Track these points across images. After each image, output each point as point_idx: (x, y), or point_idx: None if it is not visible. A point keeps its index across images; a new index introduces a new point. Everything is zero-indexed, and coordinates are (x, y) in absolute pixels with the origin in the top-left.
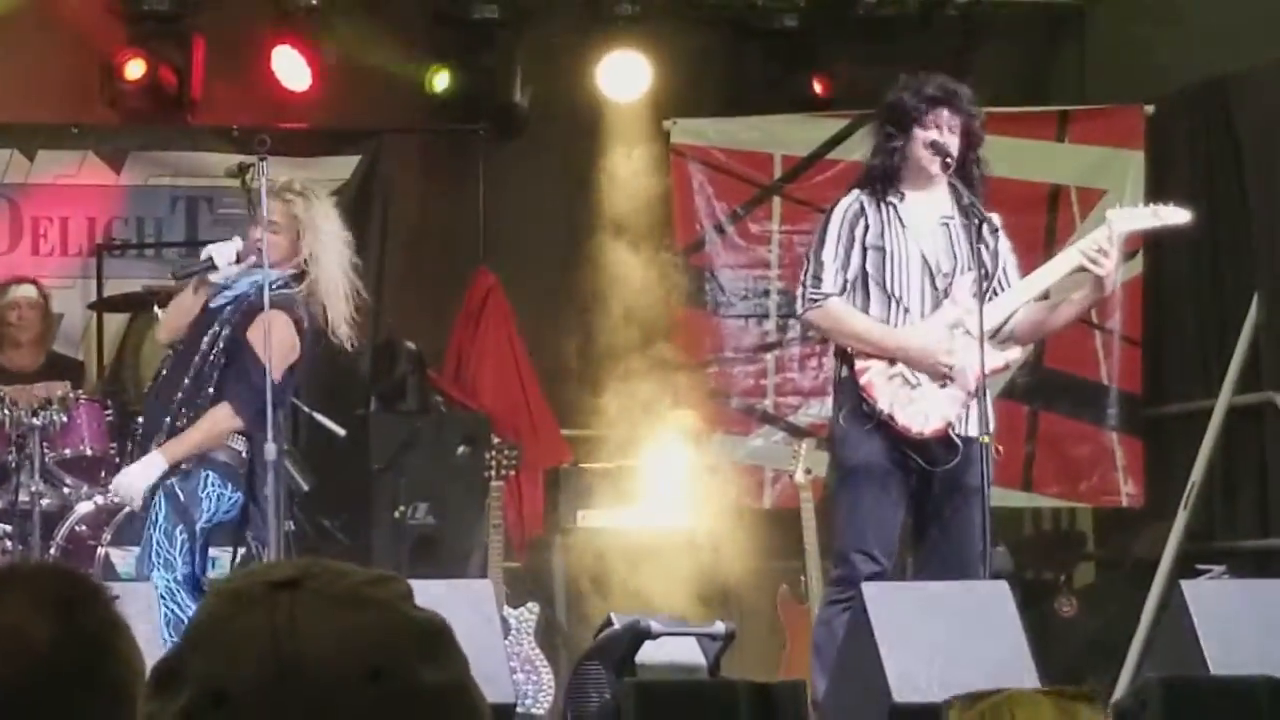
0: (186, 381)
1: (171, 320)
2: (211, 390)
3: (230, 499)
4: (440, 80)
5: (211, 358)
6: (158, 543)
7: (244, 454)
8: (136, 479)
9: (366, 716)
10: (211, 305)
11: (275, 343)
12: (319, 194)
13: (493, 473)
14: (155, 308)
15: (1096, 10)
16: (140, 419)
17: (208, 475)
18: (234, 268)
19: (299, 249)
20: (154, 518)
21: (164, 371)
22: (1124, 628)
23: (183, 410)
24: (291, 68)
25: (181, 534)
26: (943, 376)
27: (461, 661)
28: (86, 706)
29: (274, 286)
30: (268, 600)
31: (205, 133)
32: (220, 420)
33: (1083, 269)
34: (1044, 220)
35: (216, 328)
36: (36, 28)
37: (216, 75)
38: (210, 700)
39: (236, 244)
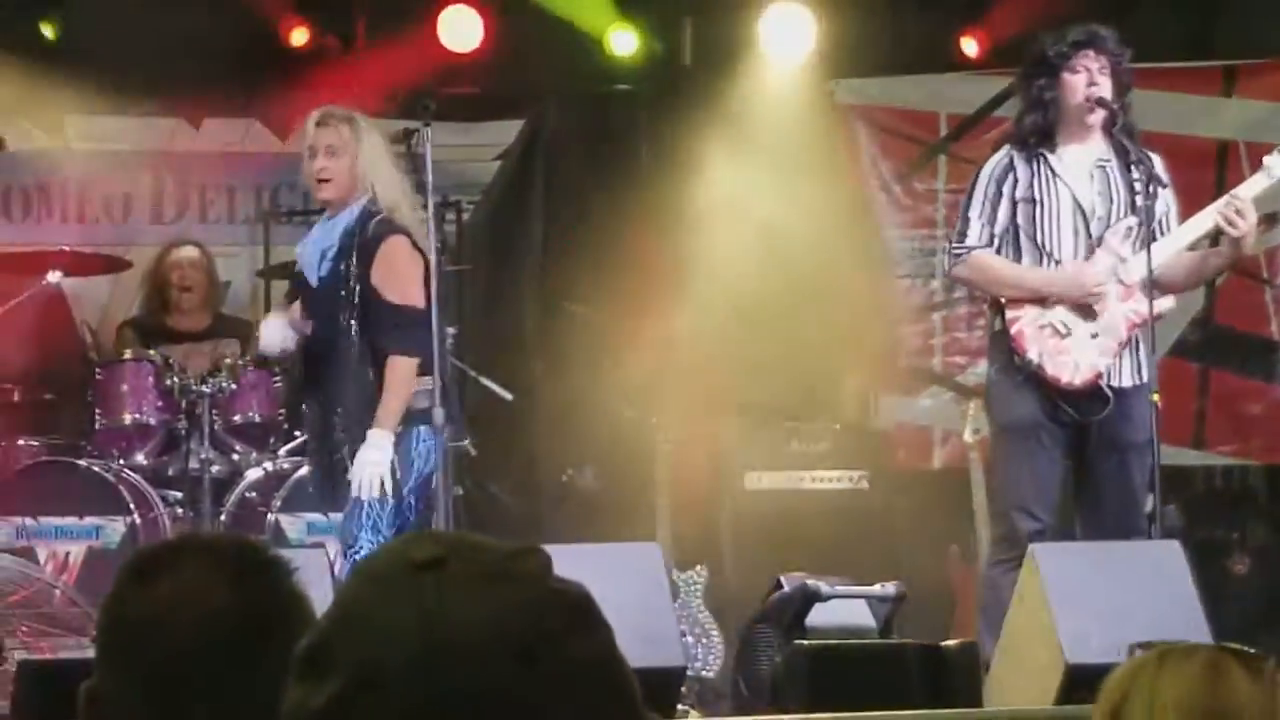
0: (336, 356)
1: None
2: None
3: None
4: (624, 41)
5: (352, 321)
6: (369, 504)
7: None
8: (379, 467)
9: (519, 696)
10: (315, 286)
11: (400, 269)
12: (366, 121)
13: (660, 435)
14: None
15: None
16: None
17: (417, 431)
18: (288, 337)
19: (358, 177)
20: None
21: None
22: None
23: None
24: (460, 29)
25: (391, 495)
26: (1092, 320)
27: (608, 631)
28: (261, 674)
29: (366, 223)
30: (413, 582)
31: (368, 98)
32: (401, 371)
33: (1219, 230)
34: (1213, 175)
35: (343, 294)
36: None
37: (381, 40)
38: (360, 686)
39: (279, 325)
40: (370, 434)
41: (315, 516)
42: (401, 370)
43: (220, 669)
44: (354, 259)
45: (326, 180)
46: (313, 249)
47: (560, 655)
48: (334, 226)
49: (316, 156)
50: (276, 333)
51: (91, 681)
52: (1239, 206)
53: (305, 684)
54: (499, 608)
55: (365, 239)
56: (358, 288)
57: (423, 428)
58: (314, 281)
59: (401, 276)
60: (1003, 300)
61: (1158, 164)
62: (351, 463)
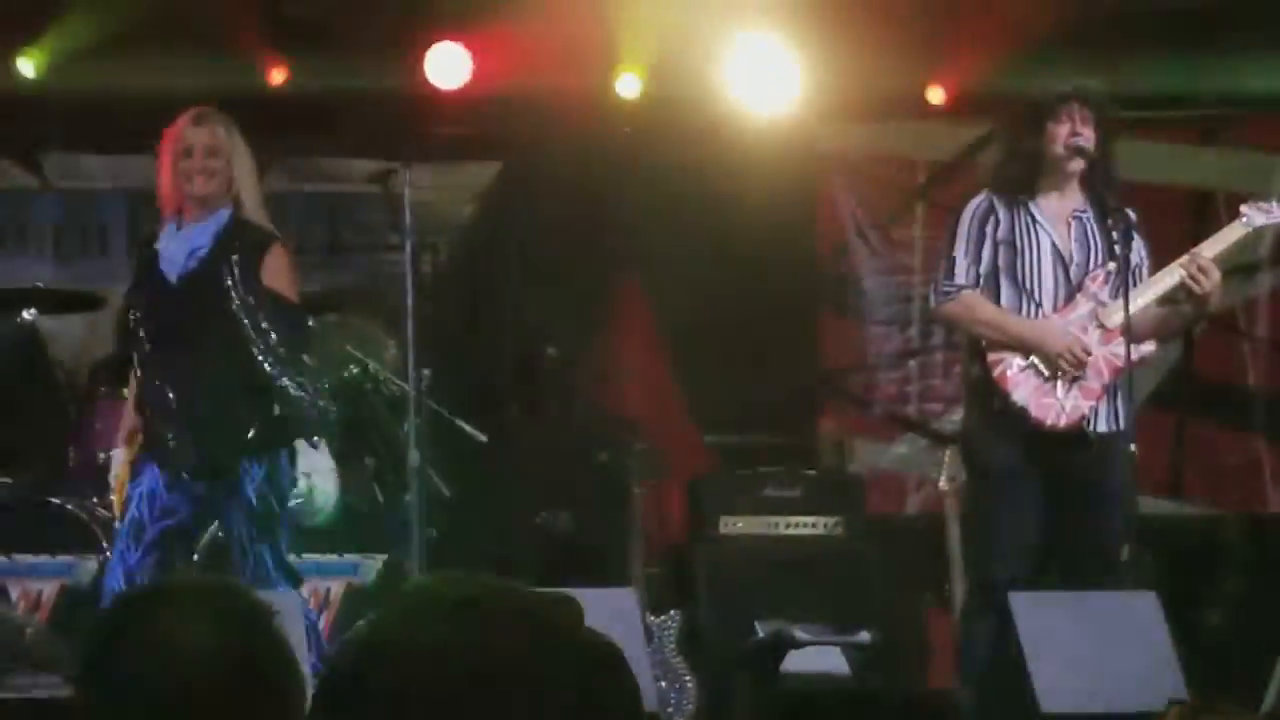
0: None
1: None
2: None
3: None
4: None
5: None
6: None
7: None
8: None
9: None
10: (174, 281)
11: (291, 274)
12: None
13: (635, 479)
14: None
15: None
16: None
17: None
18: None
19: (230, 180)
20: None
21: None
22: (1274, 638)
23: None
24: (447, 66)
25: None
26: (1077, 366)
27: (634, 685)
28: (242, 717)
29: (243, 228)
30: (452, 618)
31: (347, 139)
32: None
33: (1182, 282)
34: (1190, 225)
35: (213, 293)
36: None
37: (361, 79)
38: (394, 715)
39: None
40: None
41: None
42: None
43: (205, 714)
44: (234, 261)
45: (209, 177)
46: (177, 248)
47: (590, 701)
48: (203, 229)
49: (194, 155)
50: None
51: None
52: (1201, 264)
53: (330, 713)
54: (533, 649)
55: (247, 242)
56: (239, 289)
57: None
58: (173, 279)
59: (293, 281)
60: (983, 344)
61: (1132, 217)
62: None
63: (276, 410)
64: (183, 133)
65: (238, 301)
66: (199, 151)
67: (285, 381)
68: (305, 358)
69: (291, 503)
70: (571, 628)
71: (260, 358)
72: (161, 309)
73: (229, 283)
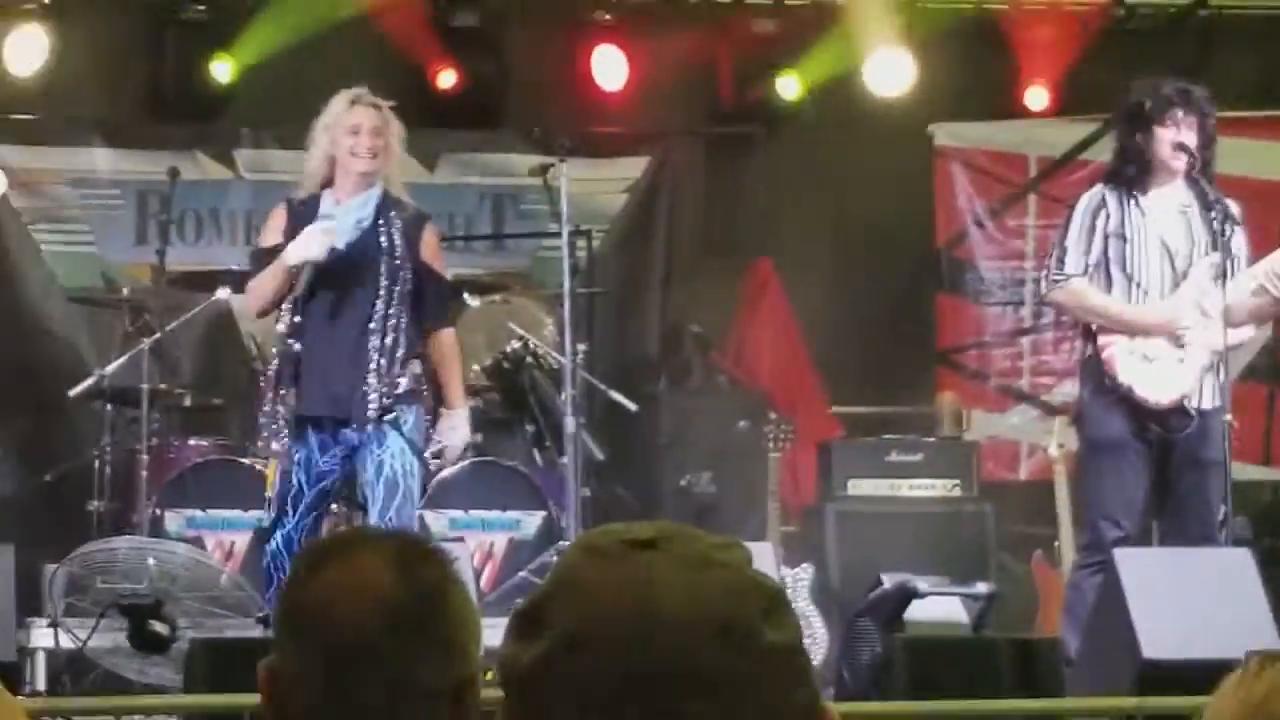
0: (375, 328)
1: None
2: (409, 324)
3: None
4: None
5: (396, 294)
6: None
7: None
8: (464, 437)
9: (716, 670)
10: (342, 248)
11: (440, 252)
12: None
13: (770, 445)
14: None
15: None
16: None
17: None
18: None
19: (387, 159)
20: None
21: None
22: None
23: (397, 354)
24: (608, 69)
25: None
26: (1179, 347)
27: (797, 625)
28: (427, 652)
29: (398, 205)
30: (628, 558)
31: (510, 135)
32: (454, 343)
33: (1264, 287)
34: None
35: (382, 265)
36: (355, 40)
37: (525, 81)
38: (569, 647)
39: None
40: (458, 416)
41: (457, 513)
42: (454, 342)
43: (391, 647)
44: (395, 235)
45: (374, 156)
46: (343, 218)
47: (755, 638)
48: (364, 202)
49: (360, 133)
50: (315, 242)
51: (271, 659)
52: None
53: (520, 642)
54: (704, 589)
55: (406, 217)
56: (400, 261)
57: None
58: (340, 245)
59: (442, 259)
60: (1094, 327)
61: (1233, 207)
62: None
63: (418, 369)
64: (349, 111)
65: (395, 267)
66: (366, 131)
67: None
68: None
69: (425, 452)
70: (740, 564)
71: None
72: (329, 273)
73: (388, 251)
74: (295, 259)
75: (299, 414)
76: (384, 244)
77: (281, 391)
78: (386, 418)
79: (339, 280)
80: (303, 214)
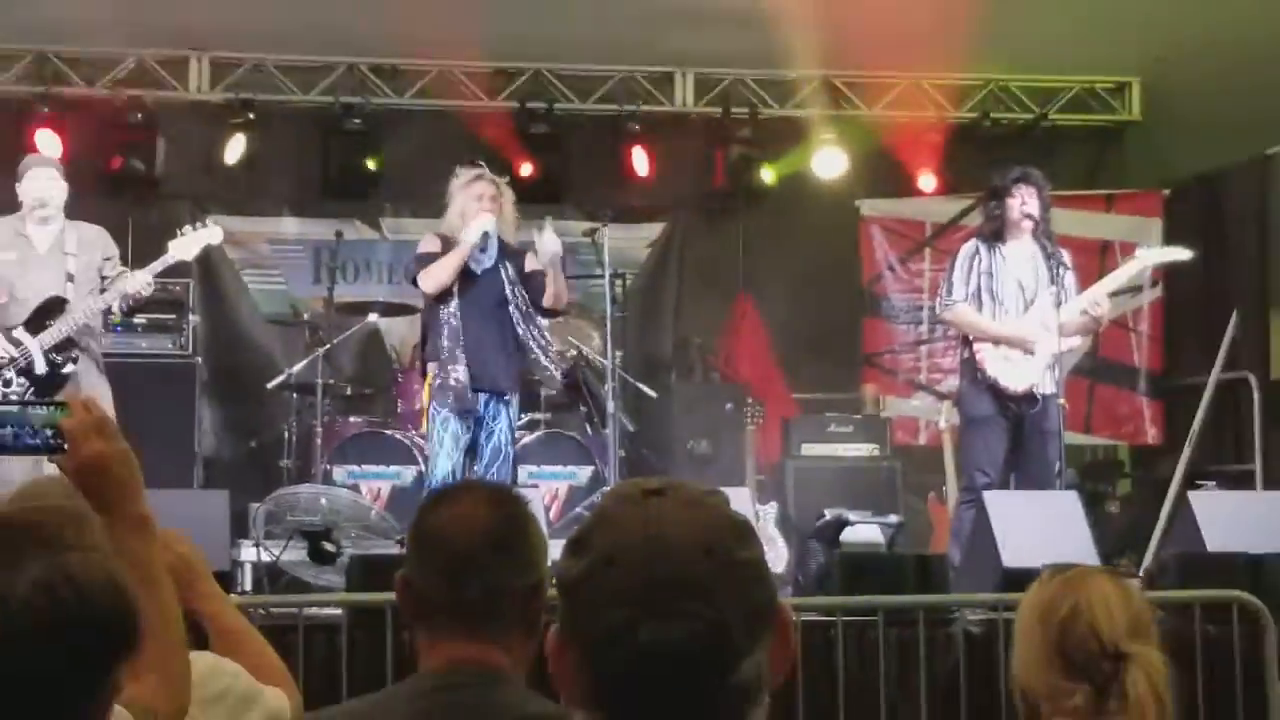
0: (509, 333)
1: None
2: (524, 333)
3: None
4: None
5: (517, 313)
6: None
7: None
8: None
9: (703, 577)
10: (480, 271)
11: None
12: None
13: (748, 420)
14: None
15: (1129, 129)
16: None
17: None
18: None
19: (502, 218)
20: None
21: (463, 326)
22: (1149, 523)
23: (515, 357)
24: (638, 163)
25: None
26: (1029, 353)
27: (760, 546)
28: (515, 571)
29: (513, 248)
30: (645, 501)
31: (569, 208)
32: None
33: (1085, 311)
34: (1098, 262)
35: (506, 291)
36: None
37: (579, 171)
38: (604, 562)
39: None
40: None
41: (534, 467)
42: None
43: (487, 561)
44: (510, 270)
45: (493, 213)
46: (487, 251)
47: (730, 555)
48: (491, 244)
49: (483, 198)
50: (475, 227)
51: (404, 570)
52: (1096, 299)
53: (571, 559)
54: (695, 522)
55: (515, 255)
56: (515, 289)
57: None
58: (476, 268)
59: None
60: (970, 338)
61: (1065, 256)
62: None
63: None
64: (475, 182)
65: (514, 293)
66: (487, 196)
67: (530, 344)
68: (545, 333)
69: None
70: (720, 505)
71: (521, 329)
72: (470, 291)
73: (509, 280)
74: (472, 237)
75: (459, 384)
76: (504, 276)
77: (450, 366)
78: (505, 397)
79: (480, 298)
80: (448, 240)
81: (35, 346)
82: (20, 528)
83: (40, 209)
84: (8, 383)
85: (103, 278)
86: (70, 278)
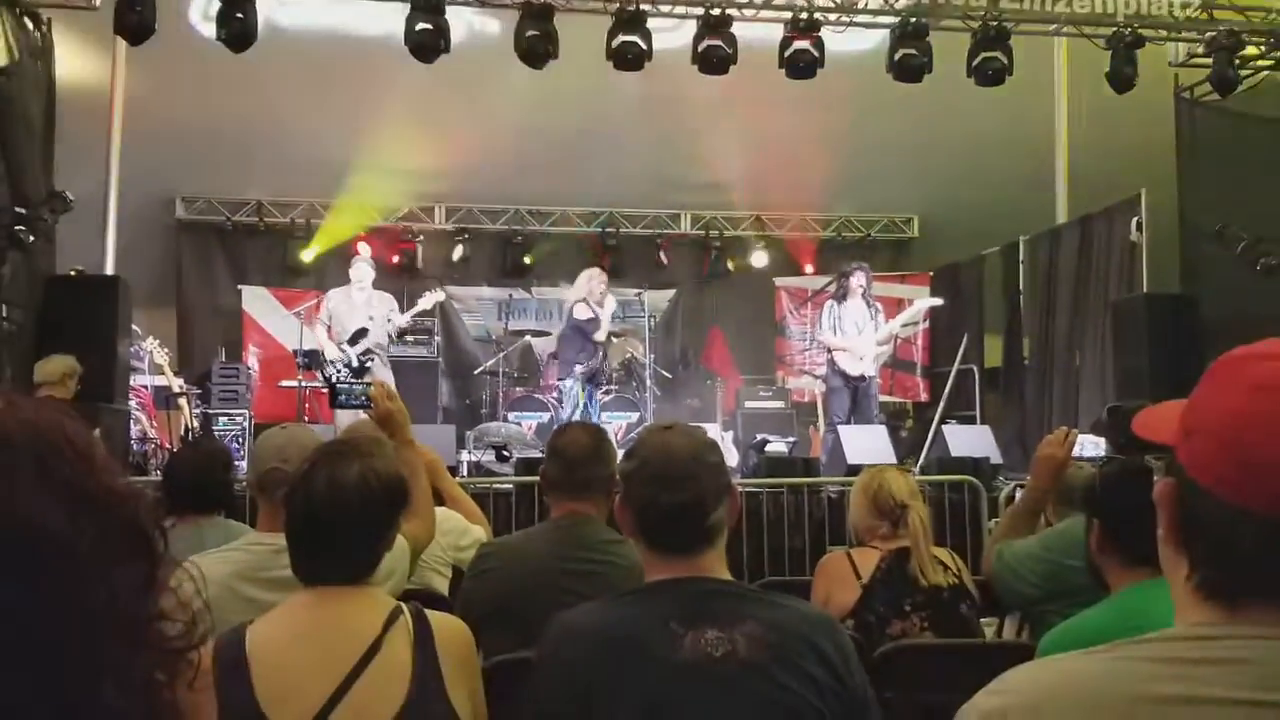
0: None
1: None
2: None
3: None
4: (727, 265)
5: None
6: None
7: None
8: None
9: (693, 469)
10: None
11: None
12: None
13: (719, 390)
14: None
15: (912, 241)
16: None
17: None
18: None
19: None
20: None
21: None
22: (922, 441)
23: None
24: (663, 258)
25: None
26: (860, 357)
27: (722, 454)
28: (601, 467)
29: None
30: (662, 432)
31: (624, 282)
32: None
33: (891, 337)
34: (896, 308)
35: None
36: (565, 246)
37: (631, 263)
38: (641, 463)
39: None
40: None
41: (610, 414)
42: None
43: (588, 460)
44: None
45: (602, 297)
46: (604, 319)
47: (706, 458)
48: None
49: (601, 298)
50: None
51: (543, 466)
52: (894, 331)
53: (625, 461)
54: (687, 442)
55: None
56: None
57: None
58: (599, 338)
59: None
60: (830, 348)
61: (879, 306)
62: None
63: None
64: (594, 277)
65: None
66: (599, 281)
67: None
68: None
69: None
70: (702, 434)
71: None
72: (593, 351)
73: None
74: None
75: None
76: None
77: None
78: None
79: (597, 354)
80: (578, 323)
81: (353, 353)
82: (350, 444)
83: (359, 283)
84: (339, 371)
85: (389, 319)
86: (371, 319)
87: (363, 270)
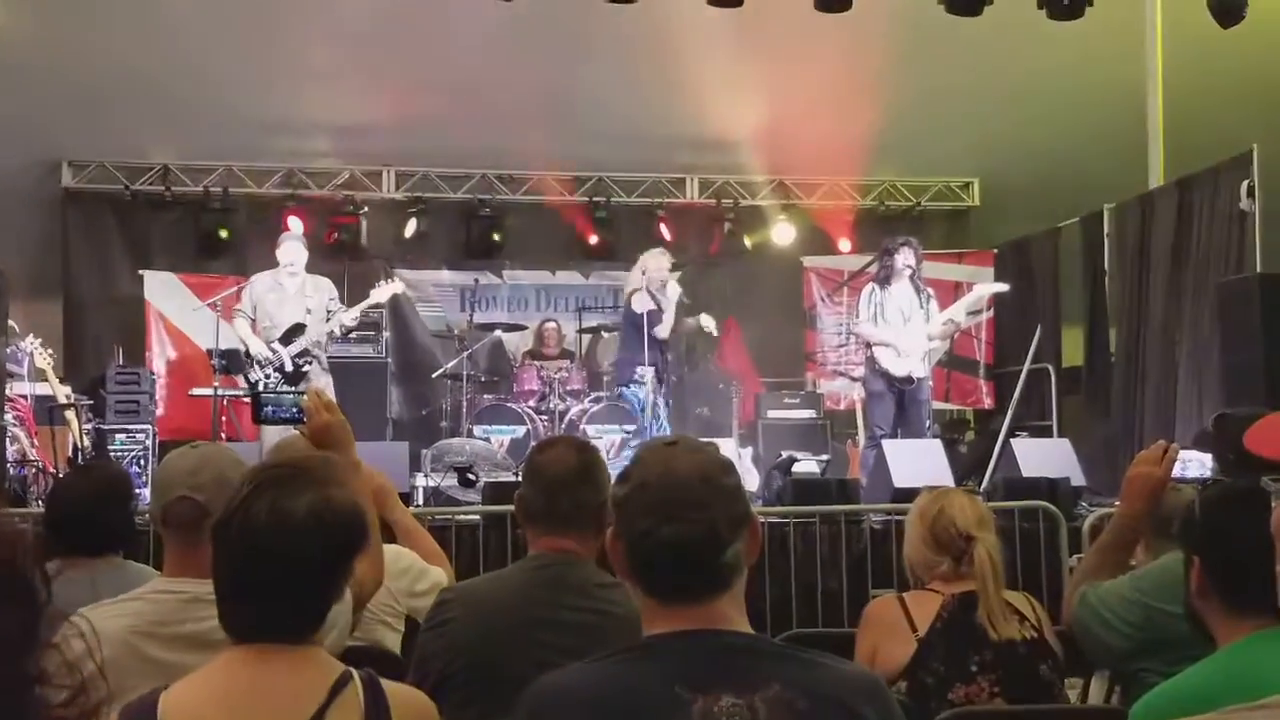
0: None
1: None
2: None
3: None
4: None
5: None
6: None
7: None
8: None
9: (700, 496)
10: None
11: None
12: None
13: (734, 394)
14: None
15: (971, 211)
16: None
17: None
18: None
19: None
20: None
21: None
22: (986, 458)
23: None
24: (665, 234)
25: None
26: (906, 353)
27: (739, 476)
28: (590, 492)
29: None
30: (665, 448)
31: (619, 264)
32: None
33: (949, 321)
34: (953, 295)
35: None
36: (552, 224)
37: (627, 240)
38: (639, 487)
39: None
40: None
41: (600, 426)
42: None
43: (574, 485)
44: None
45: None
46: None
47: (718, 481)
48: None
49: (664, 285)
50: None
51: (520, 490)
52: (953, 318)
53: (620, 485)
54: (694, 461)
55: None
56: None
57: None
58: (661, 336)
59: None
60: (870, 343)
61: (930, 291)
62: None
63: None
64: (653, 261)
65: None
66: (660, 266)
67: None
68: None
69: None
70: (714, 451)
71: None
72: (655, 346)
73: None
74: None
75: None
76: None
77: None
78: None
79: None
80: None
81: (285, 354)
82: (300, 470)
83: (290, 266)
84: (268, 376)
85: (328, 311)
86: (308, 311)
87: (293, 250)
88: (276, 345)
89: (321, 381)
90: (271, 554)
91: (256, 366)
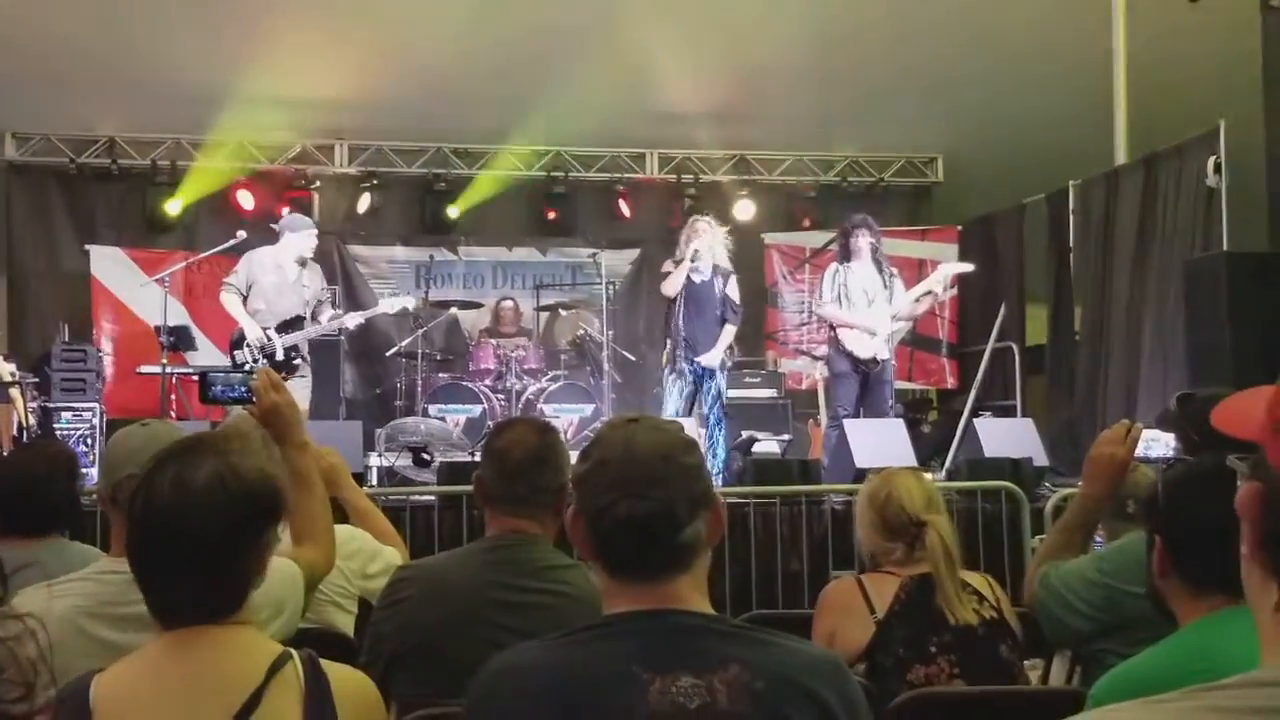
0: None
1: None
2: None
3: None
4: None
5: (722, 311)
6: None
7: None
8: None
9: (661, 474)
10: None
11: (736, 289)
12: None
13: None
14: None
15: (935, 187)
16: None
17: None
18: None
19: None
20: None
21: (690, 323)
22: (949, 438)
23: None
24: (625, 210)
25: None
26: (870, 333)
27: (700, 455)
28: (549, 475)
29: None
30: (625, 426)
31: (578, 240)
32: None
33: (928, 293)
34: (917, 273)
35: (717, 297)
36: (521, 201)
37: (586, 217)
38: (599, 464)
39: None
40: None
41: (558, 405)
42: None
43: (533, 467)
44: (719, 283)
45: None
46: (703, 270)
47: (679, 460)
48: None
49: (693, 237)
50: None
51: (478, 471)
52: (932, 288)
53: (580, 462)
54: (656, 439)
55: (724, 273)
56: (721, 296)
57: None
58: (698, 281)
59: (737, 293)
60: (833, 323)
61: (894, 269)
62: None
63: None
64: (695, 224)
65: (721, 298)
66: (700, 232)
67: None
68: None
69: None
70: (676, 429)
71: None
72: (697, 297)
73: (720, 290)
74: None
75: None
76: (716, 287)
77: (677, 350)
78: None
79: (702, 300)
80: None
81: (279, 343)
82: (201, 441)
83: (299, 253)
84: (255, 360)
85: (319, 301)
86: (306, 304)
87: (308, 243)
88: (272, 333)
89: (300, 386)
90: (176, 527)
91: (247, 349)
